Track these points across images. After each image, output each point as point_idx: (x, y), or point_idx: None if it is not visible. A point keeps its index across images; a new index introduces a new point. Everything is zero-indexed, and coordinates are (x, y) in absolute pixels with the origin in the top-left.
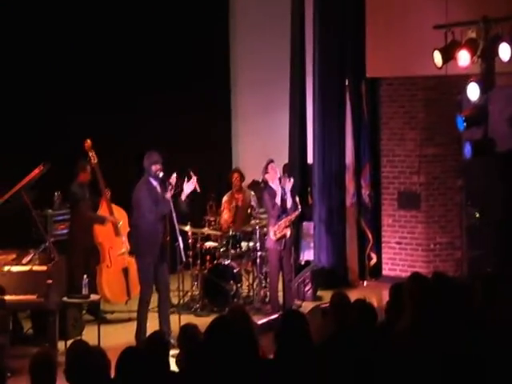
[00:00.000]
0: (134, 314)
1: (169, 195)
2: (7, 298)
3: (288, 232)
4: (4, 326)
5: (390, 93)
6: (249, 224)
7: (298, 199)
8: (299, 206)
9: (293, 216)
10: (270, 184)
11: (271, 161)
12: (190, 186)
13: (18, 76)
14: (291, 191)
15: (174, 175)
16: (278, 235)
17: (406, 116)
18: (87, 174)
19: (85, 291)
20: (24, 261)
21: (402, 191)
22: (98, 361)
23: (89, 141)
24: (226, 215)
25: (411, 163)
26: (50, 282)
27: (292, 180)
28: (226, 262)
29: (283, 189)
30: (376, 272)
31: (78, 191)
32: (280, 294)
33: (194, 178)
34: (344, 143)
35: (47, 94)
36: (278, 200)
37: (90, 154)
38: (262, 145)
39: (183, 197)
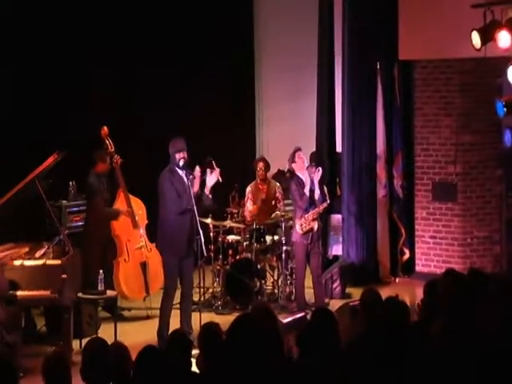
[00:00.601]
0: (153, 312)
1: (195, 190)
2: (19, 293)
3: (315, 225)
4: (16, 324)
5: (424, 76)
6: (273, 216)
7: (326, 190)
8: (328, 198)
9: (321, 208)
10: (298, 174)
11: (298, 149)
12: (212, 178)
13: (33, 60)
14: (319, 182)
15: (197, 168)
16: (305, 228)
17: (442, 101)
18: (106, 164)
19: (101, 287)
20: (37, 254)
21: (436, 182)
22: (116, 359)
23: (105, 128)
24: (250, 206)
25: (447, 152)
26: (64, 276)
27: (320, 170)
28: (250, 257)
29: (311, 179)
30: (409, 268)
31: (94, 182)
32: (306, 290)
33: (217, 170)
34: (375, 130)
35: (63, 79)
36: (306, 191)
37: (107, 142)
38: (287, 132)
39: (206, 191)
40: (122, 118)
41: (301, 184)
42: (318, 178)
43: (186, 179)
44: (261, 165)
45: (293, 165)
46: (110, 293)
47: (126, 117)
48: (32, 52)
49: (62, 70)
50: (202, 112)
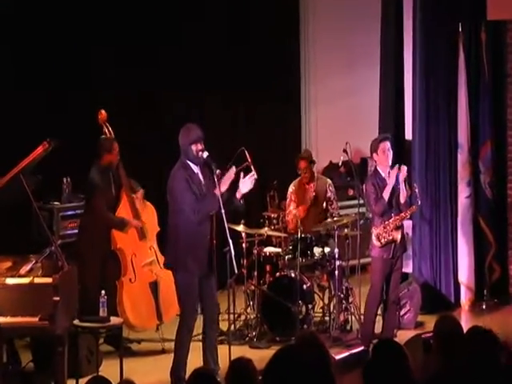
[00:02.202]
0: (168, 344)
1: (219, 191)
2: (0, 320)
3: (398, 235)
4: None
5: None
6: (324, 223)
7: (417, 189)
8: (418, 199)
9: (407, 213)
10: (379, 170)
11: (386, 138)
12: (247, 184)
13: (20, 35)
14: (404, 180)
15: (233, 169)
16: (384, 240)
17: None
18: (113, 155)
19: (103, 312)
20: (22, 271)
21: None
22: None
23: (103, 112)
24: (294, 210)
25: None
26: (56, 299)
27: (405, 168)
28: (293, 275)
29: (396, 178)
30: (500, 290)
31: (96, 178)
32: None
33: (254, 175)
34: (455, 112)
35: (54, 53)
36: (386, 193)
37: (105, 130)
38: (342, 114)
39: (238, 195)
40: (132, 100)
41: (379, 183)
42: (404, 176)
43: (201, 176)
44: (302, 164)
45: (374, 155)
46: (114, 320)
47: (136, 99)
48: (30, 32)
49: (58, 37)
50: (231, 90)
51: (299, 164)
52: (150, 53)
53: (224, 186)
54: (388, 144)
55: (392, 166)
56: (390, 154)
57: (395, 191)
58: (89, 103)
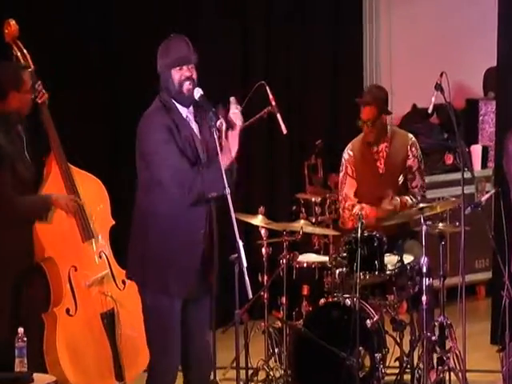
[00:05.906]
0: None
1: (223, 157)
2: None
3: None
4: None
5: None
6: (401, 210)
7: None
8: None
9: None
10: None
11: None
12: (234, 116)
13: None
14: None
15: (233, 102)
16: None
17: None
18: (25, 92)
19: (20, 365)
20: None
21: None
22: None
23: (13, 23)
24: (357, 206)
25: None
26: None
27: None
28: (349, 302)
29: None
30: None
31: (0, 137)
32: None
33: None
34: None
35: None
36: None
37: (16, 52)
38: (432, 25)
39: (231, 144)
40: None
41: None
42: None
43: (195, 126)
44: (365, 113)
45: None
46: (40, 379)
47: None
48: None
49: None
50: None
51: (363, 113)
52: None
53: (231, 143)
54: None
55: None
56: None
57: None
58: None
